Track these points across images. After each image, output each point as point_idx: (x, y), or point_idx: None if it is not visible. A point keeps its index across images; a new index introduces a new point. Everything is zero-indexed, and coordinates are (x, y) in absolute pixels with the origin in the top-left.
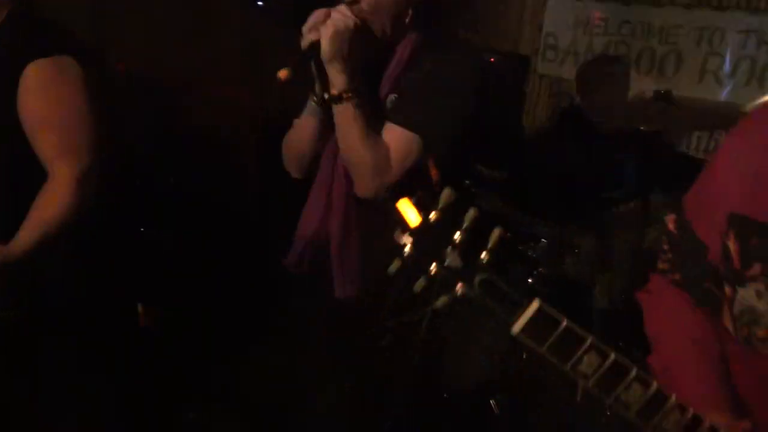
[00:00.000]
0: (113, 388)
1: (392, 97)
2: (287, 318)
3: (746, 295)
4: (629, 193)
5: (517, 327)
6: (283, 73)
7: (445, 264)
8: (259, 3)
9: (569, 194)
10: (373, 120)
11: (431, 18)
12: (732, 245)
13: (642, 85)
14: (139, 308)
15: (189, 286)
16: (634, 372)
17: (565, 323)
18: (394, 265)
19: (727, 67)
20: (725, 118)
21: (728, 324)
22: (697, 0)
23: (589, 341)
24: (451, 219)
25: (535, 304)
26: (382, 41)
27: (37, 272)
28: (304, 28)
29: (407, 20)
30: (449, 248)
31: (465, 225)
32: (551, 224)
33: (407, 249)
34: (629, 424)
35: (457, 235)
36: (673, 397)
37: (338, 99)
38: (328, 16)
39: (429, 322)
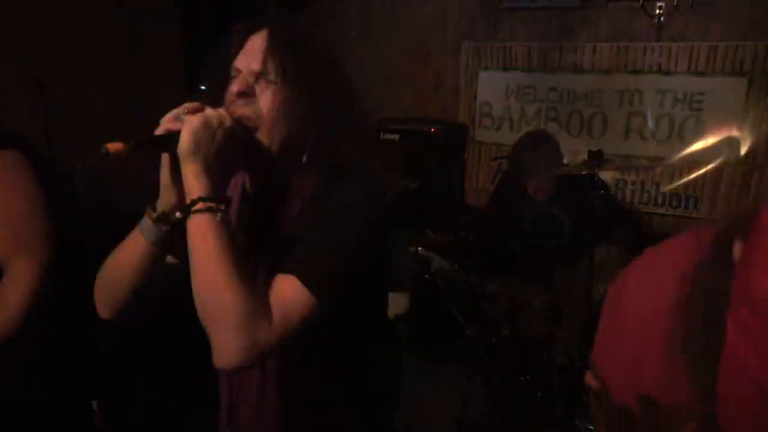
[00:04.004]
0: None
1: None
2: None
3: None
4: (572, 246)
5: None
6: (114, 147)
7: None
8: (202, 87)
9: (515, 253)
10: (245, 261)
11: (332, 151)
12: None
13: (574, 146)
14: (95, 405)
15: (144, 381)
16: None
17: None
18: None
19: (649, 124)
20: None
21: None
22: (614, 66)
23: None
24: None
25: None
26: (272, 164)
27: None
28: (165, 117)
29: (304, 156)
30: None
31: None
32: (501, 283)
33: None
34: None
35: None
36: None
37: (189, 210)
38: (200, 109)
39: None
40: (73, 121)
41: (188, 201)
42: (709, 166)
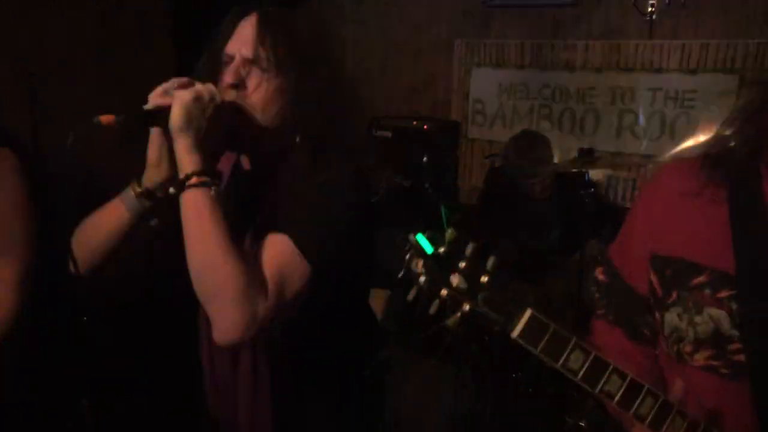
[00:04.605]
0: None
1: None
2: None
3: (670, 318)
4: (562, 244)
5: (515, 332)
6: (106, 118)
7: (454, 287)
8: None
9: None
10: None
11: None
12: (654, 279)
13: (566, 143)
14: (85, 405)
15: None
16: (611, 365)
17: (552, 327)
18: (412, 293)
19: (641, 121)
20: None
21: (663, 346)
22: (606, 63)
23: (573, 341)
24: (455, 251)
25: (528, 312)
26: (263, 138)
27: None
28: (154, 92)
29: (297, 137)
30: (455, 274)
31: (468, 254)
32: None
33: (422, 278)
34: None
35: (462, 264)
36: (647, 385)
37: (183, 185)
38: (190, 84)
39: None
40: (64, 116)
41: (181, 176)
42: None
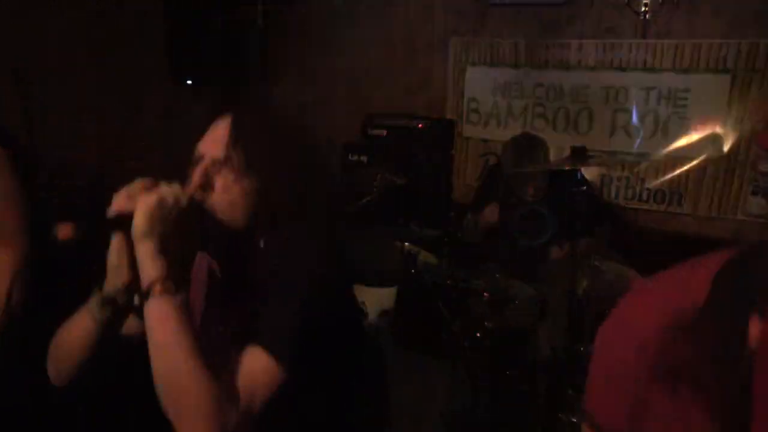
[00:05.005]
0: None
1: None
2: None
3: None
4: (555, 241)
5: None
6: (64, 231)
7: None
8: (188, 82)
9: (499, 247)
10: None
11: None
12: None
13: (560, 142)
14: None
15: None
16: None
17: None
18: None
19: (634, 120)
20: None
21: None
22: (600, 63)
23: None
24: None
25: None
26: (231, 239)
27: None
28: (117, 195)
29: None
30: None
31: None
32: (486, 278)
33: None
34: None
35: None
36: None
37: (147, 293)
38: (154, 186)
39: None
40: (58, 114)
41: (144, 284)
42: (693, 163)
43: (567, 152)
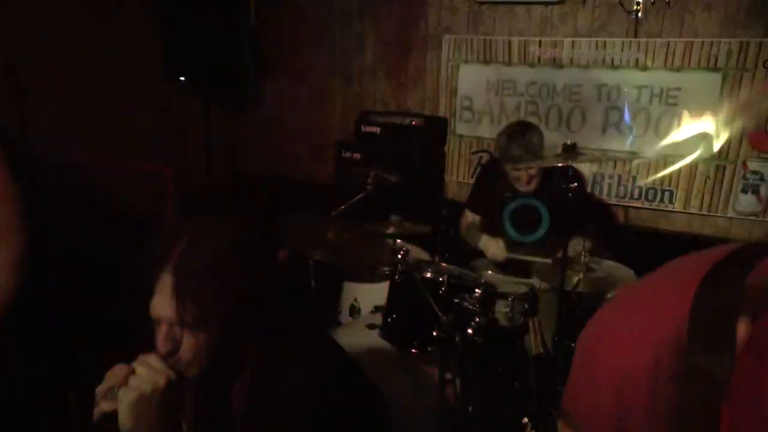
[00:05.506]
0: None
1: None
2: None
3: None
4: (547, 237)
5: None
6: None
7: None
8: (181, 79)
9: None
10: None
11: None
12: None
13: (553, 140)
14: (71, 397)
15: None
16: None
17: None
18: None
19: (626, 119)
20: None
21: None
22: (593, 61)
23: None
24: None
25: None
26: (210, 381)
27: None
28: (98, 392)
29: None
30: None
31: None
32: (478, 274)
33: None
34: None
35: None
36: None
37: None
38: (130, 373)
39: None
40: (52, 111)
41: None
42: (684, 161)
43: (559, 150)
